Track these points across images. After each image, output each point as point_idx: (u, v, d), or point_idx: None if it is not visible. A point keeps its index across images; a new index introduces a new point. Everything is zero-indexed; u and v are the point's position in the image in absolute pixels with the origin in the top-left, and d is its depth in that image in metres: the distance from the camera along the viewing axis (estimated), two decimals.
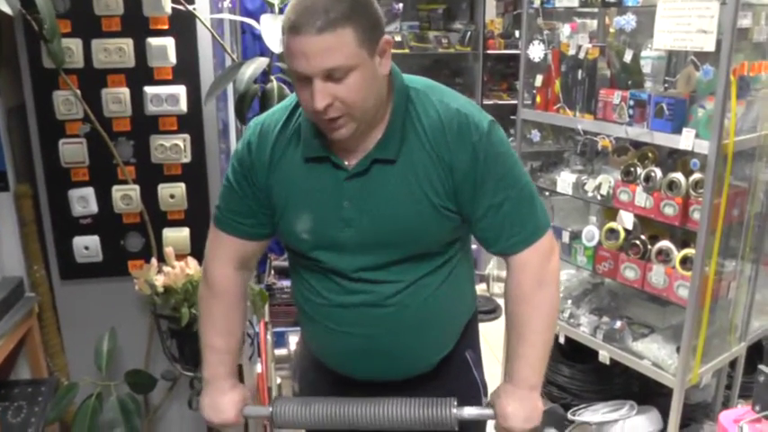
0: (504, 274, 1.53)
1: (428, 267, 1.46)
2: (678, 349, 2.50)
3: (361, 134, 1.34)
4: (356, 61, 1.23)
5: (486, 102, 5.03)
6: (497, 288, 4.50)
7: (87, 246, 2.21)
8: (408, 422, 1.48)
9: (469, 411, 1.49)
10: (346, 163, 1.38)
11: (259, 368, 2.54)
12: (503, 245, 1.43)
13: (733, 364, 2.90)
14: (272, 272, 3.67)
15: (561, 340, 2.92)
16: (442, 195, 1.37)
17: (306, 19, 1.20)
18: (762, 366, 1.96)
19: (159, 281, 2.08)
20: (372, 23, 1.26)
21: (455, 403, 1.47)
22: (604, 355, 2.71)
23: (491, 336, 3.47)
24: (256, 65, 2.11)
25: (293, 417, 1.53)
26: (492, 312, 4.27)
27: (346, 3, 1.21)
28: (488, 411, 1.50)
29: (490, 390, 1.60)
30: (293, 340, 3.33)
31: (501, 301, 3.09)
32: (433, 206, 1.37)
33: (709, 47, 2.19)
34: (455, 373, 1.61)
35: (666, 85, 2.52)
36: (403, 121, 1.36)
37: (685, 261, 2.42)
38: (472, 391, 1.64)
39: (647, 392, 2.94)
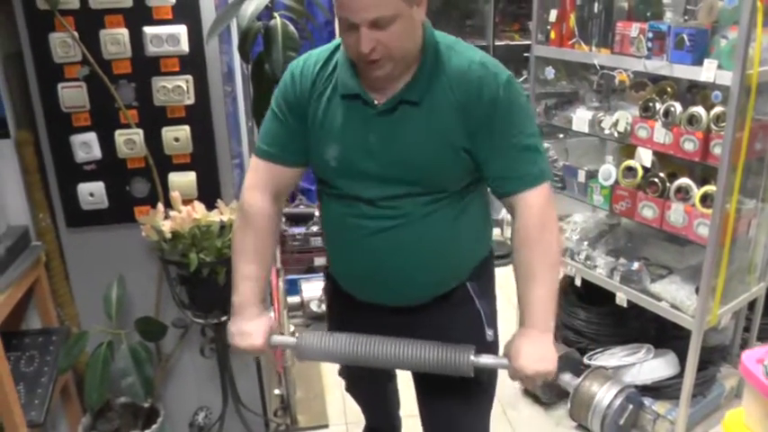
0: None
1: (441, 204, 1.56)
2: (697, 290, 2.46)
3: (394, 77, 1.47)
4: (398, 11, 1.38)
5: (497, 43, 4.89)
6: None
7: (92, 192, 2.17)
8: (426, 364, 1.56)
9: (485, 359, 1.56)
10: (376, 102, 1.51)
11: (272, 315, 2.52)
12: (506, 185, 1.54)
13: (752, 305, 2.86)
14: (284, 218, 3.64)
15: (578, 283, 2.88)
16: (461, 137, 1.49)
17: None
18: None
19: (166, 226, 2.04)
20: None
21: (473, 351, 1.54)
22: (622, 298, 2.67)
23: (505, 280, 3.45)
24: (258, 1, 2.02)
25: (316, 349, 1.62)
26: (506, 257, 4.21)
27: None
28: (504, 361, 1.57)
29: (501, 337, 1.71)
30: (306, 288, 3.31)
31: None
32: (450, 146, 1.50)
33: None
34: (457, 302, 1.69)
35: (686, 17, 2.42)
36: (431, 69, 1.49)
37: (705, 198, 2.36)
38: (474, 320, 1.70)
39: (663, 335, 2.91)
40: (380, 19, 1.36)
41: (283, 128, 1.60)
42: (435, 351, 1.54)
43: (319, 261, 3.70)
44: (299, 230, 3.62)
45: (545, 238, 1.53)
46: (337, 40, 1.57)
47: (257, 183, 1.65)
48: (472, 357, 1.53)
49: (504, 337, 1.67)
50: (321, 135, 1.56)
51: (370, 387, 2.08)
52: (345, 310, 1.77)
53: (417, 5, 1.43)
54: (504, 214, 4.52)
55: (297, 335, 1.67)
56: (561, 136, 2.94)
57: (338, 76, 1.53)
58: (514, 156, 1.51)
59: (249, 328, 1.64)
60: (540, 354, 1.53)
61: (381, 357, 1.57)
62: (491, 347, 1.71)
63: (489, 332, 1.71)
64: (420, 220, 1.55)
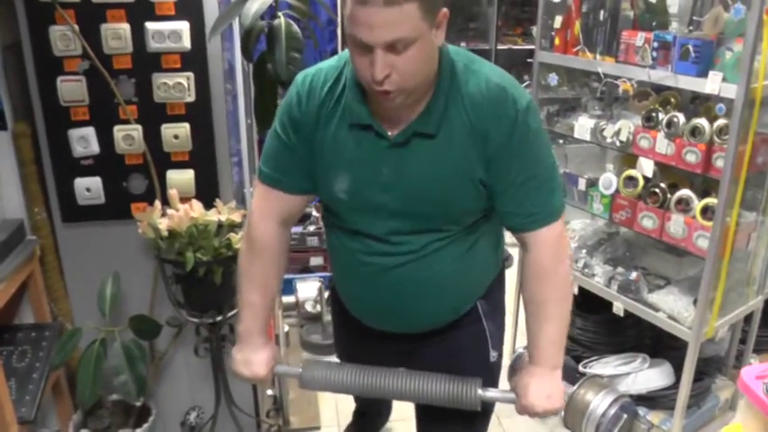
0: None
1: (455, 238, 1.51)
2: (695, 302, 2.45)
3: (407, 106, 1.37)
4: (418, 34, 1.25)
5: (500, 47, 4.89)
6: (507, 237, 4.44)
7: (89, 187, 2.15)
8: (434, 398, 1.54)
9: (493, 393, 1.56)
10: (389, 133, 1.41)
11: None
12: (520, 221, 1.47)
13: (748, 318, 2.85)
14: None
15: (575, 291, 2.86)
16: (478, 168, 1.41)
17: None
18: None
19: (163, 224, 2.02)
20: None
21: (480, 384, 1.53)
22: (619, 307, 2.66)
23: None
24: (263, 0, 2.00)
25: (321, 381, 1.61)
26: (504, 261, 4.20)
27: None
28: (512, 395, 1.56)
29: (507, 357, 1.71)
30: (301, 288, 3.30)
31: (512, 251, 3.01)
32: (468, 178, 1.42)
33: None
34: (465, 323, 1.66)
35: (691, 27, 2.41)
36: (446, 95, 1.39)
37: (705, 211, 2.34)
38: (479, 340, 1.68)
39: (659, 345, 2.90)
40: (399, 41, 1.24)
41: (288, 150, 1.50)
42: (443, 385, 1.53)
43: (315, 261, 3.69)
44: (294, 230, 3.60)
45: (557, 273, 1.49)
46: (345, 53, 1.44)
47: (265, 211, 1.58)
48: (480, 392, 1.53)
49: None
50: (329, 164, 1.47)
51: None
52: (351, 331, 1.74)
53: (437, 28, 1.30)
54: None
55: (302, 364, 1.65)
56: (561, 142, 2.92)
57: (347, 101, 1.43)
58: (531, 190, 1.44)
59: (253, 357, 1.64)
60: (549, 392, 1.53)
61: (388, 390, 1.56)
62: (493, 369, 1.71)
63: (494, 353, 1.69)
64: (433, 255, 1.50)
